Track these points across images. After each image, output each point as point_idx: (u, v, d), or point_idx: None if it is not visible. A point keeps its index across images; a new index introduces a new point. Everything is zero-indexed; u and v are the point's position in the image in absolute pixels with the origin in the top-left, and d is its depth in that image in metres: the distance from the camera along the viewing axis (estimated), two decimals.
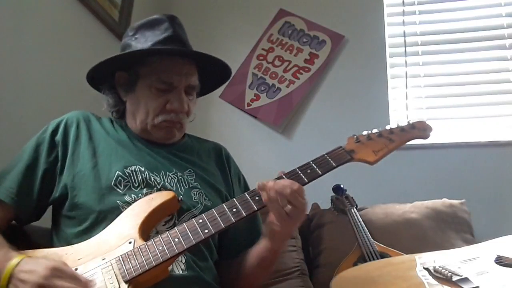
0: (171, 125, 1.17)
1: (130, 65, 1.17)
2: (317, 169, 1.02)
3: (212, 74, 1.26)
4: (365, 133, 1.12)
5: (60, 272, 0.85)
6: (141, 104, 1.17)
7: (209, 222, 0.96)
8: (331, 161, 1.04)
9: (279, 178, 1.01)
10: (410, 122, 1.15)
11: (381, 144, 1.09)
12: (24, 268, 0.87)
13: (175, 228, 0.96)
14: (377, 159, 1.06)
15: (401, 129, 1.13)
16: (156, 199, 1.02)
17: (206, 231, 0.95)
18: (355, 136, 1.11)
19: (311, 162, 1.04)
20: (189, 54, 1.19)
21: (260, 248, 1.11)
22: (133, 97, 1.18)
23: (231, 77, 1.34)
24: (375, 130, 1.12)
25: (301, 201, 0.96)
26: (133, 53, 1.17)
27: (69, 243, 1.02)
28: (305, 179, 1.01)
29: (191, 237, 0.94)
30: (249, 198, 0.99)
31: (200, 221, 0.96)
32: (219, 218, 0.96)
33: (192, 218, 0.99)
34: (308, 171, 1.02)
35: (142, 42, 1.17)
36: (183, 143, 1.27)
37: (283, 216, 0.96)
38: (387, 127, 1.13)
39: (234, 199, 1.00)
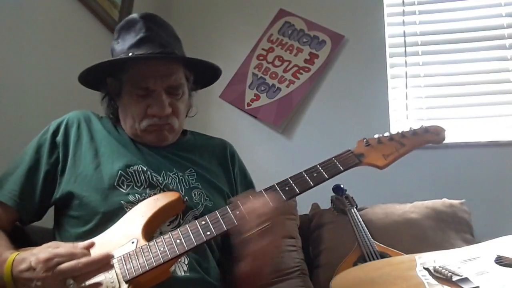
0: (159, 129, 1.16)
1: (114, 72, 1.16)
2: (324, 173, 1.01)
3: (202, 68, 1.23)
4: (376, 136, 1.09)
5: (56, 257, 0.84)
6: (128, 111, 1.16)
7: (211, 224, 0.95)
8: (339, 165, 1.02)
9: (259, 194, 0.99)
10: (424, 126, 1.12)
11: (392, 148, 1.07)
12: (21, 267, 0.86)
13: (178, 229, 0.96)
14: (387, 163, 1.04)
15: (413, 132, 1.10)
16: (161, 199, 1.02)
17: (208, 233, 0.94)
18: (365, 140, 1.09)
19: (318, 166, 1.02)
20: (155, 57, 1.13)
21: (242, 266, 1.08)
22: (121, 104, 1.18)
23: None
24: (386, 134, 1.10)
25: (277, 219, 0.94)
26: (98, 65, 1.14)
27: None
28: (311, 183, 1.00)
29: (192, 238, 0.94)
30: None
31: (203, 222, 0.96)
32: (221, 220, 0.96)
33: (195, 219, 0.98)
34: (315, 174, 1.01)
35: (121, 45, 1.16)
36: (185, 141, 1.26)
37: (258, 237, 0.93)
38: (399, 131, 1.10)
39: (237, 201, 0.98)
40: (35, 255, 0.86)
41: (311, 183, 1.00)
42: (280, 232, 0.97)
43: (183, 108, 1.19)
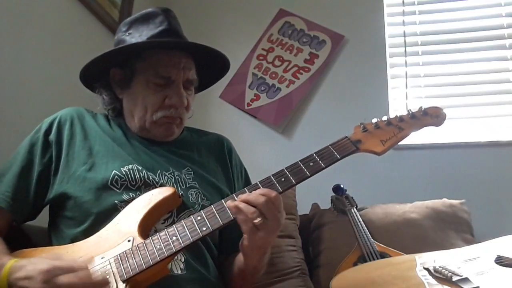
0: (171, 121, 1.15)
1: (125, 61, 1.14)
2: (320, 162, 0.97)
3: (210, 68, 1.24)
4: (374, 120, 1.06)
5: (57, 270, 0.83)
6: (139, 101, 1.14)
7: (207, 219, 0.94)
8: (335, 153, 0.99)
9: (254, 187, 0.96)
10: (423, 108, 1.07)
11: (390, 133, 1.03)
12: (19, 275, 0.84)
13: (173, 225, 0.95)
14: (384, 149, 1.00)
15: (412, 116, 1.06)
16: (156, 195, 1.01)
17: (204, 228, 0.93)
18: (362, 125, 1.05)
19: (314, 154, 0.99)
20: (187, 46, 1.16)
21: (239, 260, 1.08)
22: (130, 94, 1.16)
23: (229, 73, 1.31)
24: (384, 118, 1.06)
25: (274, 213, 0.91)
26: (129, 46, 1.13)
27: (68, 243, 1.01)
28: (308, 173, 0.97)
29: (188, 234, 0.92)
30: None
31: (199, 218, 0.94)
32: (217, 215, 0.94)
33: (191, 215, 0.97)
34: (311, 164, 0.97)
35: (136, 37, 1.14)
36: (182, 138, 1.24)
37: (252, 230, 0.91)
38: (398, 114, 1.06)
39: (234, 195, 0.96)
40: (34, 265, 0.84)
41: (308, 173, 0.97)
42: (274, 229, 0.94)
43: (191, 104, 1.19)
